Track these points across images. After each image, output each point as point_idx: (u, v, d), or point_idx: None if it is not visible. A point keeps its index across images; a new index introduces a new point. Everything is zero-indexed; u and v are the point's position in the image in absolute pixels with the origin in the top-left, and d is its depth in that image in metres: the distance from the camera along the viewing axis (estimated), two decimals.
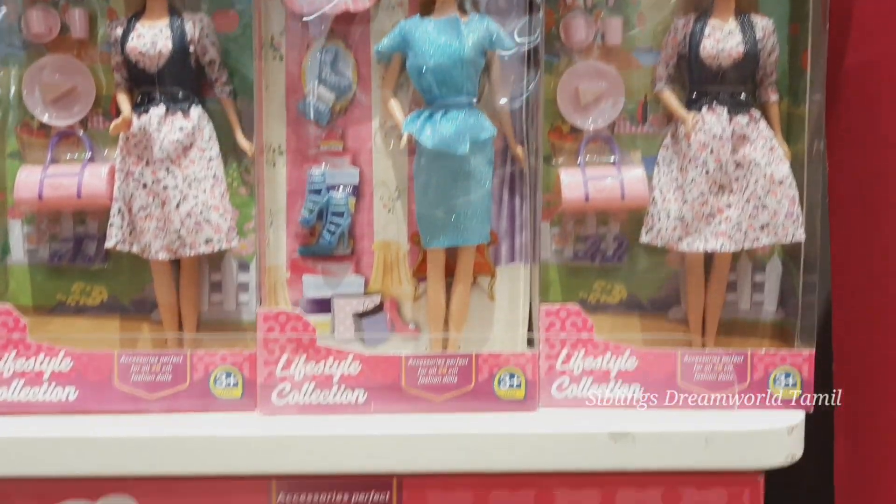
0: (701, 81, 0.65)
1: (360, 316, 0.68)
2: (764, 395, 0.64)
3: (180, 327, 0.67)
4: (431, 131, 0.63)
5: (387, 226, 0.67)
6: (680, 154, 0.66)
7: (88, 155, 0.66)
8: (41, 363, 0.63)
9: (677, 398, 0.65)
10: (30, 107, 0.65)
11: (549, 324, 0.65)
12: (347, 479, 0.63)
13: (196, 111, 0.64)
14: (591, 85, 0.66)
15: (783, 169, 0.65)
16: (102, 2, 0.65)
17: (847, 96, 0.68)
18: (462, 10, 0.64)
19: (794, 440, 0.62)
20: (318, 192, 0.66)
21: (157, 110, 0.63)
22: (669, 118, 0.67)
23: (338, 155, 0.67)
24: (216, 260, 0.67)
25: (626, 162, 0.67)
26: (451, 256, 0.67)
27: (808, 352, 0.65)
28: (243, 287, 0.68)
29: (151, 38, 0.63)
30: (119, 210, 0.65)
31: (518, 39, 0.64)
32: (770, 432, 0.61)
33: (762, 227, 0.65)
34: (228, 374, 0.64)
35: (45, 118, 0.65)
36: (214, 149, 0.65)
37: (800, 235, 0.66)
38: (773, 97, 0.66)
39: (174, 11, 0.64)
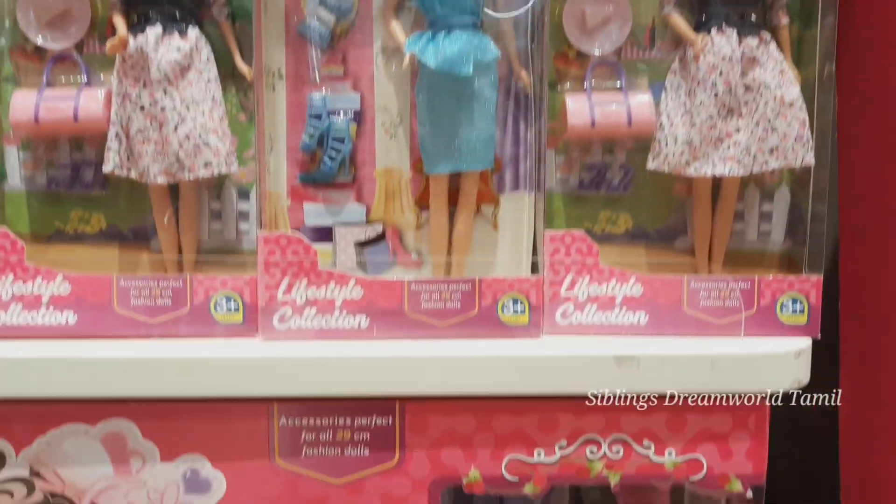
0: (710, 3, 0.64)
1: (362, 245, 0.67)
2: (771, 321, 0.64)
3: (181, 256, 0.66)
4: (434, 52, 0.62)
5: (389, 152, 0.66)
6: (688, 78, 0.65)
7: (84, 79, 0.64)
8: (39, 287, 0.62)
9: (683, 324, 0.64)
10: (24, 29, 0.64)
11: (554, 250, 0.64)
12: (350, 404, 0.62)
13: (193, 32, 0.63)
14: (597, 8, 0.65)
15: (793, 91, 0.64)
16: None
17: (860, 18, 0.66)
18: None
19: (801, 365, 0.61)
20: (318, 116, 0.65)
21: (154, 30, 0.62)
22: (677, 43, 0.66)
23: (338, 80, 0.66)
24: (216, 188, 0.66)
25: (632, 88, 0.66)
26: (454, 185, 0.66)
27: (816, 277, 0.64)
28: (243, 216, 0.67)
29: None
30: (116, 134, 0.64)
31: None
32: (777, 355, 0.61)
33: (771, 151, 0.64)
34: (229, 299, 0.63)
35: (40, 41, 0.64)
36: (212, 71, 0.64)
37: (809, 159, 0.64)
38: (784, 20, 0.65)
39: None
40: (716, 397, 0.62)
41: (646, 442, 0.63)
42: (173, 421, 0.62)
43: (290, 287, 0.63)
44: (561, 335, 0.64)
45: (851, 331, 0.71)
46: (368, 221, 0.67)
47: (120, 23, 0.63)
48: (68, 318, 0.63)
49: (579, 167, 0.68)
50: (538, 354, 0.61)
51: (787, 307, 0.64)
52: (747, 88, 0.64)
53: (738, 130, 0.64)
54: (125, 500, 0.62)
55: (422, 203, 0.67)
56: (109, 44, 0.61)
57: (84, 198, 0.66)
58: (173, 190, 0.65)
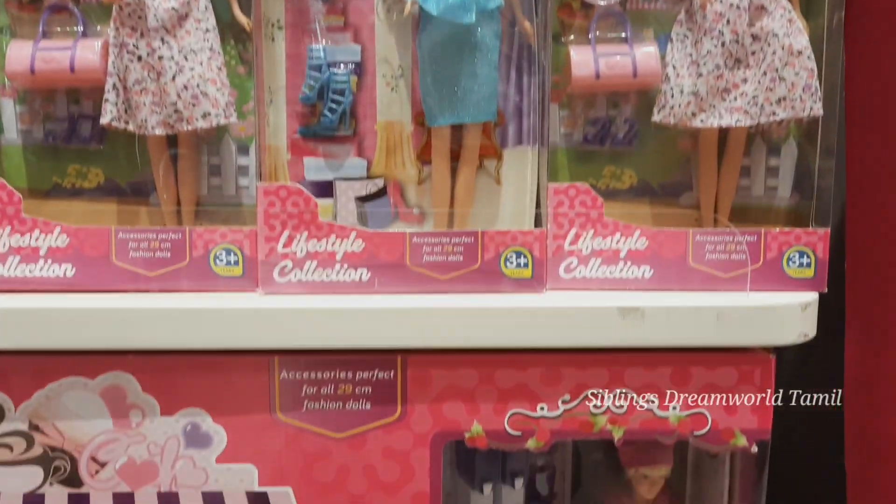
0: None
1: (363, 200, 0.66)
2: (777, 275, 0.63)
3: (179, 212, 0.65)
4: None
5: (390, 105, 0.65)
6: (695, 28, 0.63)
7: (81, 29, 0.63)
8: (37, 239, 0.62)
9: (688, 279, 0.63)
10: None
11: (558, 203, 0.63)
12: (351, 357, 0.62)
13: None
14: None
15: (801, 40, 0.63)
16: None
17: None
18: None
19: (808, 318, 0.61)
20: (318, 68, 0.64)
21: None
22: None
23: (339, 31, 0.64)
24: (215, 142, 0.66)
25: (637, 39, 0.65)
26: (457, 139, 0.65)
27: (824, 231, 0.63)
28: (243, 170, 0.66)
29: None
30: (114, 86, 0.63)
31: None
32: (783, 308, 0.60)
33: (779, 101, 0.63)
34: (229, 252, 0.62)
35: None
36: (210, 20, 0.63)
37: (818, 109, 0.63)
38: None
39: None
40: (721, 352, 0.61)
41: (649, 396, 0.62)
42: (173, 375, 0.61)
43: (290, 240, 0.62)
44: (564, 290, 0.63)
45: (858, 289, 0.70)
46: (369, 176, 0.66)
47: None
48: (66, 270, 0.62)
49: (583, 122, 0.67)
50: (541, 306, 0.60)
51: (794, 261, 0.63)
52: (755, 38, 0.63)
53: (745, 81, 0.63)
54: (125, 454, 0.62)
55: (423, 157, 0.66)
56: None
57: (82, 152, 0.65)
58: (172, 144, 0.64)
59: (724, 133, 0.65)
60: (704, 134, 0.65)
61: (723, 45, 0.62)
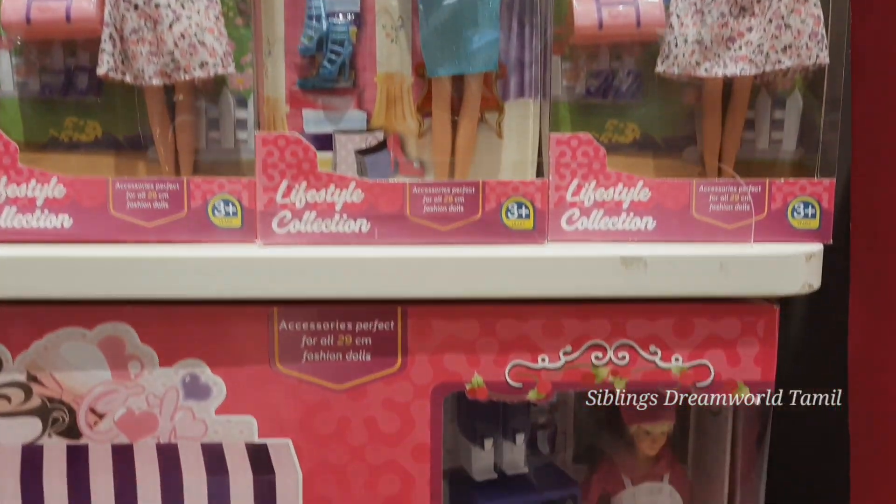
0: None
1: (363, 153, 0.65)
2: (782, 226, 0.62)
3: (178, 165, 0.64)
4: None
5: (390, 57, 0.64)
6: None
7: None
8: (33, 189, 0.61)
9: (691, 230, 0.63)
10: None
11: (560, 153, 0.63)
12: (351, 308, 0.61)
13: None
14: None
15: None
16: None
17: None
18: None
19: (812, 268, 0.60)
20: (317, 18, 0.63)
21: None
22: None
23: None
24: (213, 95, 0.65)
25: None
26: (458, 92, 0.64)
27: (829, 181, 0.62)
28: (241, 124, 0.65)
29: None
30: (110, 36, 0.62)
31: None
32: (787, 257, 0.59)
33: (784, 49, 0.62)
34: (227, 202, 0.62)
35: None
36: None
37: (824, 58, 0.62)
38: None
39: None
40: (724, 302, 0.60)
41: (652, 348, 0.62)
42: (172, 325, 0.61)
43: (289, 190, 0.61)
44: (566, 242, 0.63)
45: (862, 246, 0.70)
46: (369, 129, 0.65)
47: None
48: (63, 221, 0.61)
49: (586, 74, 0.66)
50: (543, 255, 0.59)
51: (799, 211, 0.62)
52: None
53: (750, 30, 0.62)
54: (124, 405, 0.61)
55: (424, 110, 0.65)
56: None
57: (79, 104, 0.65)
58: (169, 97, 0.64)
59: (728, 86, 0.65)
60: (709, 86, 0.65)
61: None
